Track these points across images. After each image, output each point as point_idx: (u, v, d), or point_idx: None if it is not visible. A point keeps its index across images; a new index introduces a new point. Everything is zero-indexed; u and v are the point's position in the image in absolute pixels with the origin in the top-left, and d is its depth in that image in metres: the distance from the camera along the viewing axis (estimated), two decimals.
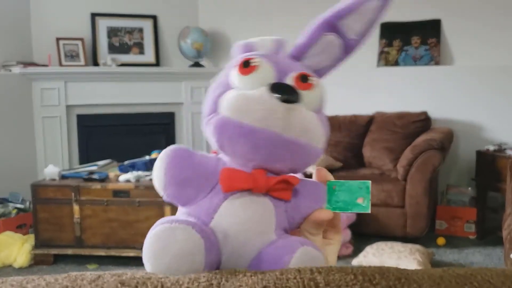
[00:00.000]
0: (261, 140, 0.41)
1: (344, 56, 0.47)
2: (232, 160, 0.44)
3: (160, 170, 0.43)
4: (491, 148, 3.26)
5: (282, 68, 0.44)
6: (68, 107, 3.95)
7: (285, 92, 0.42)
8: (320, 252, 0.41)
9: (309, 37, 0.46)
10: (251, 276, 0.34)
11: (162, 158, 0.44)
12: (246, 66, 0.43)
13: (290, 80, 0.44)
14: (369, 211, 0.45)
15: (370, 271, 0.34)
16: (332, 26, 0.46)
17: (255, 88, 0.43)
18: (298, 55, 0.47)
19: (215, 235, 0.41)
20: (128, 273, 0.35)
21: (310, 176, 0.48)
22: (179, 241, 0.38)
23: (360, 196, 0.45)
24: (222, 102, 0.43)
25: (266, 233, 0.42)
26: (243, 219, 0.42)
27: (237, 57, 0.46)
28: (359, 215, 3.08)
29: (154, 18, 4.26)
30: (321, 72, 0.47)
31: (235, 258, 0.41)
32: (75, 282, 0.34)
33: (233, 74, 0.44)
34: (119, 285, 0.33)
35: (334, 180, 0.46)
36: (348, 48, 0.47)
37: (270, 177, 0.42)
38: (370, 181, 0.46)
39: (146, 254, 0.39)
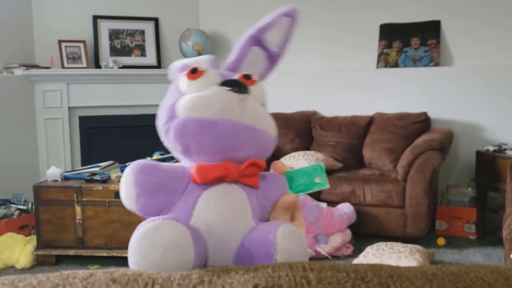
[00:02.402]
0: (223, 130, 0.44)
1: (271, 66, 0.54)
2: (198, 162, 0.46)
3: (128, 183, 0.44)
4: (491, 148, 3.26)
5: (225, 75, 0.49)
6: (70, 108, 3.98)
7: (236, 85, 0.46)
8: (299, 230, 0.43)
9: (240, 51, 0.52)
10: (243, 273, 0.34)
11: (128, 172, 0.44)
12: (194, 72, 0.47)
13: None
14: (328, 186, 0.51)
15: (362, 269, 0.34)
16: (256, 40, 0.52)
17: (205, 90, 0.46)
18: (233, 70, 0.52)
19: (198, 231, 0.42)
20: (119, 270, 0.34)
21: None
22: (166, 235, 0.38)
23: (316, 176, 0.50)
24: (178, 107, 0.45)
25: (245, 221, 0.44)
26: (221, 211, 0.43)
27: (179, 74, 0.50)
28: (359, 216, 3.10)
29: (155, 20, 4.28)
30: None
31: (221, 250, 0.42)
32: (66, 280, 0.33)
33: (183, 82, 0.48)
34: (110, 282, 0.32)
35: (290, 170, 0.51)
36: (272, 58, 0.53)
37: (239, 164, 0.45)
38: (322, 163, 0.52)
39: (134, 254, 0.38)
